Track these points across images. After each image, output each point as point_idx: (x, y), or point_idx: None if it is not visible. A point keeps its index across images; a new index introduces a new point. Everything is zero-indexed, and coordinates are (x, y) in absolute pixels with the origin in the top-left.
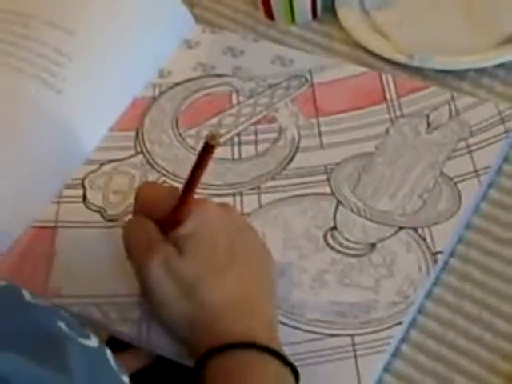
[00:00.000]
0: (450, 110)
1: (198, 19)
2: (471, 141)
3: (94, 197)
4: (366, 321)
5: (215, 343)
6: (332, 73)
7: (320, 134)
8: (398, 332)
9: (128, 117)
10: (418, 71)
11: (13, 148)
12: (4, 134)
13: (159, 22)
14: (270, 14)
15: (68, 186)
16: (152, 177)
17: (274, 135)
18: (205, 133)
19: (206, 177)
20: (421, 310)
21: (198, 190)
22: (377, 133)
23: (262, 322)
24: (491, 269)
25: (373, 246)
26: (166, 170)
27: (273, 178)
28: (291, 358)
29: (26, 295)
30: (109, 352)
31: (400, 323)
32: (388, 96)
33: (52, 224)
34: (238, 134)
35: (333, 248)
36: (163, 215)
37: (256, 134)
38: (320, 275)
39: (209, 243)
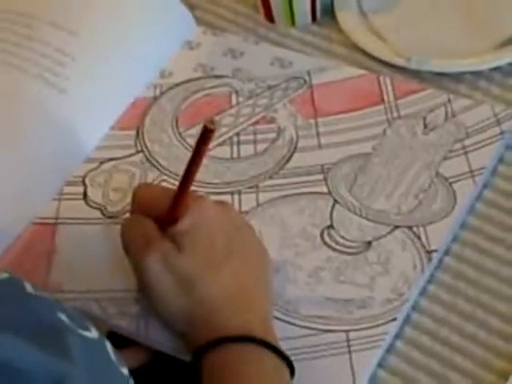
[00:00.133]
0: (447, 112)
1: (199, 21)
2: (467, 142)
3: (95, 194)
4: (361, 317)
5: (212, 337)
6: (330, 74)
7: (318, 134)
8: (393, 328)
9: (129, 116)
10: (415, 74)
11: (15, 146)
12: (6, 132)
13: (161, 23)
14: (270, 17)
15: (69, 184)
16: (152, 175)
17: (273, 135)
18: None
19: (206, 175)
20: (415, 307)
21: (197, 189)
22: (374, 133)
23: (258, 316)
24: (485, 267)
25: (369, 244)
26: (166, 169)
27: (271, 177)
28: (287, 353)
29: (28, 287)
30: (108, 344)
31: (394, 320)
32: (385, 98)
33: (53, 221)
34: (237, 134)
35: (329, 246)
36: (160, 213)
37: (255, 133)
38: (316, 272)
39: (206, 239)
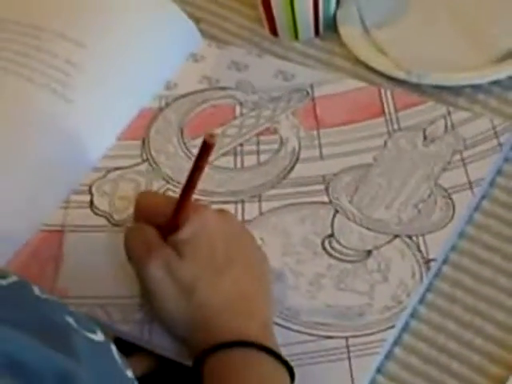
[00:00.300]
0: (446, 124)
1: (204, 34)
2: (466, 154)
3: (101, 202)
4: (360, 324)
5: (212, 342)
6: (332, 87)
7: (320, 145)
8: (391, 335)
9: (135, 126)
10: (415, 87)
11: (23, 155)
12: (15, 141)
13: (167, 36)
14: (274, 31)
15: (76, 192)
16: (157, 184)
17: (276, 146)
18: None
19: (210, 184)
20: (413, 315)
21: (200, 198)
22: (375, 145)
23: (258, 322)
24: (482, 276)
25: (369, 252)
26: (171, 178)
27: (273, 187)
28: (287, 359)
29: (36, 290)
30: (114, 347)
31: (393, 327)
32: (386, 110)
33: (60, 228)
34: (241, 145)
35: (330, 254)
36: (162, 221)
37: (258, 144)
38: (317, 280)
39: (207, 247)
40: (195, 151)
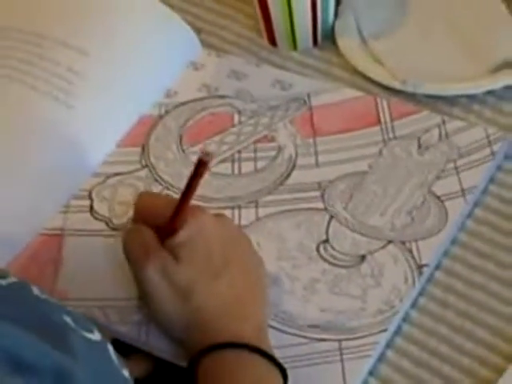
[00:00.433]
0: (440, 133)
1: (204, 44)
2: (459, 162)
3: (101, 207)
4: (353, 327)
5: (208, 343)
6: (329, 96)
7: (316, 153)
8: (383, 338)
9: (135, 133)
10: (411, 97)
11: (24, 160)
12: (17, 146)
13: (168, 45)
14: (272, 41)
15: (76, 197)
16: (156, 189)
17: (273, 153)
18: (206, 149)
19: (208, 190)
20: (406, 319)
21: (199, 203)
22: (370, 153)
23: (252, 324)
24: (474, 282)
25: (362, 257)
26: (170, 184)
27: (270, 193)
28: (281, 361)
29: (35, 290)
30: (111, 347)
31: (385, 330)
32: (382, 119)
33: (59, 232)
34: (239, 152)
35: (324, 259)
36: (161, 223)
37: (255, 151)
38: (311, 284)
39: (203, 250)
40: (194, 158)
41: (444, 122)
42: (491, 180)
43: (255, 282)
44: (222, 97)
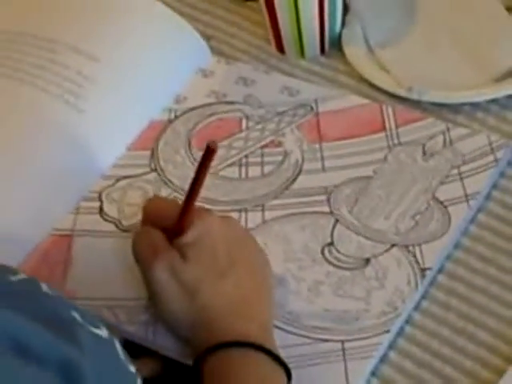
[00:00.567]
0: (445, 140)
1: (214, 51)
2: (463, 168)
3: (110, 209)
4: (357, 328)
5: (214, 342)
6: (336, 103)
7: (322, 158)
8: (386, 339)
9: (145, 137)
10: (416, 104)
11: (36, 162)
12: (28, 148)
13: (177, 51)
14: (281, 48)
15: (86, 199)
16: (164, 192)
17: (280, 158)
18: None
19: (216, 193)
20: (408, 321)
21: (207, 206)
22: (375, 159)
23: (258, 324)
24: (476, 285)
25: (367, 260)
26: (178, 187)
27: (276, 197)
28: (285, 360)
29: (44, 287)
30: (118, 344)
31: (388, 331)
32: (387, 125)
33: (69, 232)
34: (246, 156)
35: (329, 262)
36: (169, 224)
37: (262, 156)
38: (316, 286)
39: (210, 251)
40: None
41: (448, 129)
42: (494, 186)
43: (261, 282)
44: (231, 103)
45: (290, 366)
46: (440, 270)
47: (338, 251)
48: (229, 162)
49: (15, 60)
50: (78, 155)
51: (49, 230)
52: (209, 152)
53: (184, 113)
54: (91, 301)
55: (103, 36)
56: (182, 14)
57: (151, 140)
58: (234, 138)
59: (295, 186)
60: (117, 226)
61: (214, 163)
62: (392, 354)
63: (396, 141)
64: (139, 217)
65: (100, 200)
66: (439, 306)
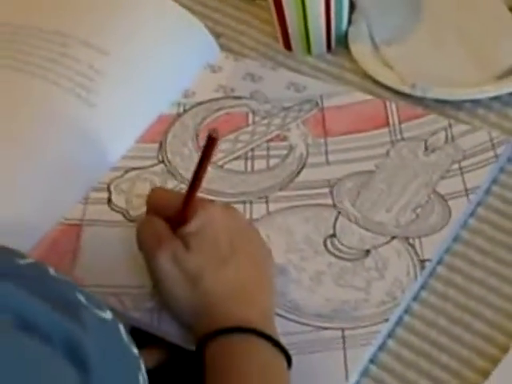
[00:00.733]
0: (447, 136)
1: (224, 48)
2: (464, 163)
3: (118, 199)
4: (357, 317)
5: (215, 328)
6: (341, 99)
7: (326, 152)
8: (385, 328)
9: (153, 130)
10: (419, 100)
11: (47, 153)
12: (39, 141)
13: (187, 47)
14: (288, 46)
15: (95, 189)
16: (171, 184)
17: (285, 152)
18: (221, 146)
19: (222, 185)
20: (407, 311)
21: (214, 198)
22: (378, 153)
23: (258, 310)
24: (474, 277)
25: (367, 252)
26: (185, 178)
27: (281, 189)
28: (286, 347)
29: (51, 271)
30: (121, 326)
31: (387, 320)
32: (391, 121)
33: (78, 222)
34: (252, 150)
35: (331, 253)
36: (172, 214)
37: (268, 150)
38: (317, 275)
39: (212, 240)
40: None
41: (450, 126)
42: (494, 181)
43: (262, 270)
44: (238, 98)
45: (291, 352)
46: (439, 262)
47: (340, 243)
48: (235, 155)
49: (26, 53)
50: (88, 147)
51: (58, 220)
52: (211, 141)
53: (192, 107)
54: (98, 288)
55: (114, 30)
56: (192, 11)
57: (160, 133)
58: (240, 131)
59: (299, 178)
60: (124, 216)
61: (220, 156)
62: (390, 343)
63: (399, 136)
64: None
65: (109, 191)
66: (437, 296)
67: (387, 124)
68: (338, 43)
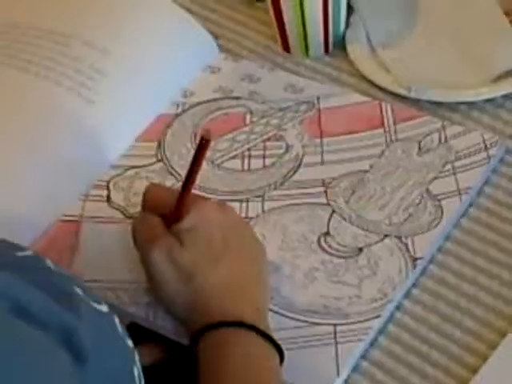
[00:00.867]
0: (440, 137)
1: (223, 49)
2: (457, 164)
3: (117, 197)
4: (349, 313)
5: (208, 322)
6: (337, 100)
7: (322, 152)
8: (376, 324)
9: (152, 129)
10: (415, 102)
11: (48, 151)
12: (40, 138)
13: (186, 48)
14: (286, 48)
15: (94, 187)
16: (169, 182)
17: (281, 151)
18: (219, 146)
19: (219, 184)
20: (399, 308)
21: (210, 196)
22: (373, 153)
23: (250, 305)
24: (465, 275)
25: (360, 250)
26: (182, 177)
27: (276, 188)
28: (280, 342)
29: (49, 263)
30: (117, 319)
31: (378, 316)
32: (386, 122)
33: (77, 218)
34: (249, 149)
35: (324, 250)
36: (167, 211)
37: (265, 149)
38: (311, 272)
39: (205, 236)
40: (206, 153)
41: (444, 127)
42: (486, 182)
43: (256, 266)
44: (236, 98)
45: (284, 347)
46: (431, 261)
47: (334, 240)
48: (232, 154)
49: (30, 53)
50: (88, 145)
51: (58, 216)
52: (203, 142)
53: (191, 107)
54: (96, 283)
55: (115, 31)
56: (192, 13)
57: (159, 132)
58: (238, 131)
59: (295, 177)
60: (123, 213)
61: (218, 155)
62: (382, 339)
63: (394, 137)
64: None
65: (108, 188)
66: (429, 294)
67: (382, 125)
68: (336, 46)
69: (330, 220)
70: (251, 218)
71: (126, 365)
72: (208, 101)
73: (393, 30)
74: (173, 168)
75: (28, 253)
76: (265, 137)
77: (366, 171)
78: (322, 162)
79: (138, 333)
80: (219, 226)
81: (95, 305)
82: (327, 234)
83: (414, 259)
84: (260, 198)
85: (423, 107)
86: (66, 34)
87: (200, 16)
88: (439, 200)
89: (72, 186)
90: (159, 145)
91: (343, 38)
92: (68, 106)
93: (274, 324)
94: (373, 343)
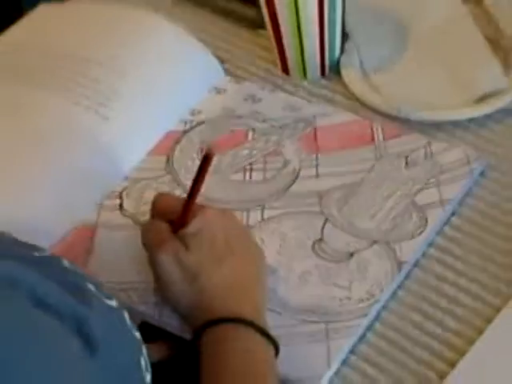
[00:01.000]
0: (426, 152)
1: (227, 72)
2: (441, 177)
3: (129, 206)
4: (339, 312)
5: (210, 318)
6: (332, 119)
7: (317, 166)
8: (364, 322)
9: (162, 145)
10: (404, 122)
11: (65, 164)
12: (59, 152)
13: (195, 72)
14: (286, 71)
15: (109, 197)
16: (176, 192)
17: (280, 165)
18: (223, 160)
19: (222, 194)
20: (385, 307)
21: (215, 205)
22: (364, 167)
23: (250, 304)
24: (446, 278)
25: (351, 255)
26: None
27: (275, 199)
28: (276, 338)
29: (65, 263)
30: (126, 314)
31: (366, 315)
32: (376, 139)
33: (93, 226)
34: (251, 163)
35: (318, 255)
36: (174, 218)
37: (265, 163)
38: (305, 275)
39: (209, 240)
40: (211, 167)
41: (429, 144)
42: (468, 194)
43: (255, 268)
44: (239, 117)
45: (280, 342)
46: (415, 265)
47: (327, 246)
48: (235, 167)
49: (52, 74)
50: (103, 159)
51: (75, 224)
52: (207, 157)
53: (198, 124)
54: (109, 284)
55: (130, 56)
56: (200, 39)
57: (168, 147)
58: (241, 147)
59: (292, 189)
60: (134, 220)
61: (222, 168)
62: (369, 335)
63: (383, 152)
64: None
65: (121, 198)
66: (413, 295)
67: (373, 141)
68: (331, 69)
69: (323, 227)
70: (252, 226)
71: (133, 356)
72: (214, 119)
73: (384, 55)
74: (180, 180)
75: (45, 253)
76: (265, 152)
77: (357, 184)
78: (317, 175)
79: (148, 332)
80: (222, 229)
81: (106, 300)
82: (321, 240)
83: (400, 263)
84: (260, 207)
85: (411, 126)
86: (87, 59)
87: (207, 42)
88: (424, 210)
89: (88, 195)
90: (168, 159)
91: (338, 62)
92: (85, 123)
93: (270, 322)
94: (361, 339)
